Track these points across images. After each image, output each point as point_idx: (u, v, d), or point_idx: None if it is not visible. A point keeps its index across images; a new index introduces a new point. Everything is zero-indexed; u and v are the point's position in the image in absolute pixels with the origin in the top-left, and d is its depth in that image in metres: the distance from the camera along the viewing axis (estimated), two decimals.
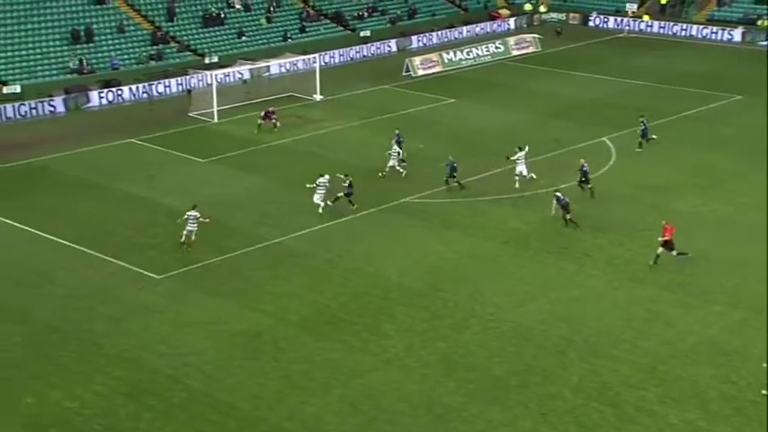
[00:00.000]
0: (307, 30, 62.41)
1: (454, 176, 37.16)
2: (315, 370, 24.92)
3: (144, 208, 35.77)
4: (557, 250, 32.24)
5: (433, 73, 57.79)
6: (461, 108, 50.02)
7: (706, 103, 50.28)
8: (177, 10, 59.05)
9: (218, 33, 59.21)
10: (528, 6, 73.47)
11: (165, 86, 52.37)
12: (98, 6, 56.57)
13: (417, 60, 57.96)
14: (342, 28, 64.47)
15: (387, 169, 38.63)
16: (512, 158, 37.63)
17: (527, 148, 38.04)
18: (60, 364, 25.08)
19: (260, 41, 59.79)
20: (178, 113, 48.08)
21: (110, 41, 54.94)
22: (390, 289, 29.38)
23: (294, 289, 29.37)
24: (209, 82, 49.33)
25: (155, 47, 55.51)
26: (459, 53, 60.26)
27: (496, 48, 62.14)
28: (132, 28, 56.60)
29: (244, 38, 59.45)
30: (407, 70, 56.99)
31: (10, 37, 52.13)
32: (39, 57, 51.92)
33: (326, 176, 34.88)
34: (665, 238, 30.34)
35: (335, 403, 23.55)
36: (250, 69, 53.85)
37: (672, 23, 68.25)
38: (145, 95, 51.44)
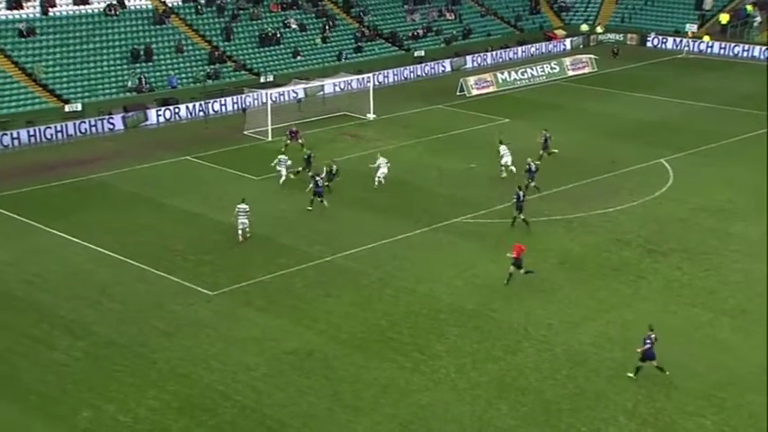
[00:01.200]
0: (362, 49, 62.95)
1: (331, 180, 38.74)
2: (365, 389, 24.93)
3: (198, 224, 36.30)
4: (611, 273, 31.85)
5: (488, 93, 57.75)
6: (515, 128, 49.82)
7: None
8: (234, 30, 60.09)
9: (273, 53, 60.07)
10: (584, 27, 73.13)
11: (221, 105, 53.24)
12: (158, 26, 57.88)
13: (471, 80, 58.02)
14: (396, 48, 64.89)
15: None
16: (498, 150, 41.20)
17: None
18: (115, 378, 25.50)
19: (315, 61, 60.47)
20: (233, 131, 48.81)
21: (168, 60, 56.11)
22: (441, 309, 29.30)
23: (345, 307, 29.47)
24: (264, 101, 50.02)
25: (212, 66, 56.52)
26: (513, 73, 60.15)
27: (552, 68, 61.87)
28: (190, 47, 57.74)
29: (299, 57, 60.21)
30: (461, 90, 57.07)
31: (73, 56, 53.57)
32: (99, 75, 53.23)
33: (284, 157, 40.70)
34: (514, 257, 30.37)
35: (385, 423, 23.50)
36: (304, 88, 54.45)
37: (733, 44, 67.18)
38: (201, 114, 52.36)
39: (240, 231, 34.19)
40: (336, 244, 34.16)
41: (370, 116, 51.59)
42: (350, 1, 66.82)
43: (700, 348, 26.99)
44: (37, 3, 55.19)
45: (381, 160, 40.25)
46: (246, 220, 34.19)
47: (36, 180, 41.68)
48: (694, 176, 41.61)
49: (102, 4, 56.96)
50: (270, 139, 47.39)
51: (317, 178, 37.33)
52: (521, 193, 35.26)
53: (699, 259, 32.87)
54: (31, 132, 47.49)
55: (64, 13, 55.84)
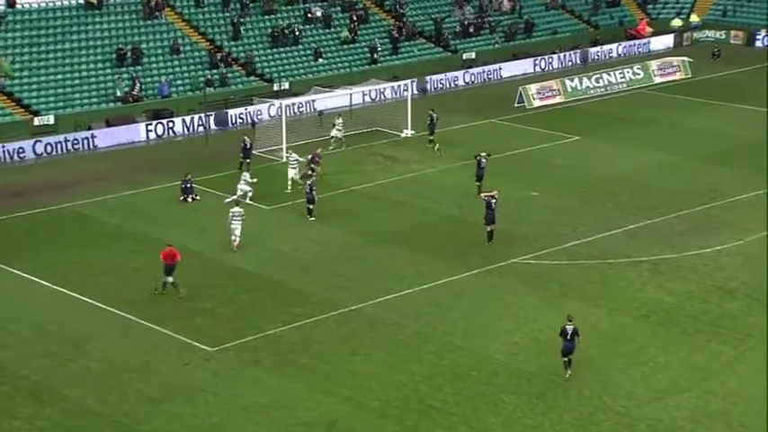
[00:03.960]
0: (398, 50, 63.43)
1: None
2: None
3: (195, 264, 36.55)
4: (711, 329, 31.61)
5: (553, 104, 57.89)
6: (587, 148, 49.84)
7: None
8: (242, 26, 60.77)
9: (290, 54, 60.72)
10: (676, 22, 73.09)
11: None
12: (148, 22, 58.85)
13: (533, 88, 58.22)
14: (440, 48, 65.38)
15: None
16: (334, 123, 50.20)
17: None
18: None
19: (340, 64, 61.02)
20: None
21: (161, 64, 56.97)
22: (495, 371, 29.25)
23: (375, 368, 29.51)
24: (278, 113, 50.49)
25: (214, 71, 57.30)
26: (585, 80, 60.27)
27: (634, 74, 61.96)
28: (188, 48, 58.63)
29: (321, 60, 60.80)
30: (521, 100, 57.27)
31: (44, 59, 54.54)
32: (77, 82, 54.15)
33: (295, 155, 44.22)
34: (166, 263, 33.35)
35: None
36: (328, 98, 54.81)
37: None
38: (201, 129, 52.98)
39: (232, 238, 37.00)
40: (365, 289, 34.27)
41: (408, 132, 51.87)
42: None
43: None
44: None
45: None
46: (239, 225, 36.65)
47: None
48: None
49: None
50: (285, 159, 47.76)
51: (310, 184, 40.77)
52: (492, 201, 37.29)
53: None
54: None
55: (34, 5, 56.95)
